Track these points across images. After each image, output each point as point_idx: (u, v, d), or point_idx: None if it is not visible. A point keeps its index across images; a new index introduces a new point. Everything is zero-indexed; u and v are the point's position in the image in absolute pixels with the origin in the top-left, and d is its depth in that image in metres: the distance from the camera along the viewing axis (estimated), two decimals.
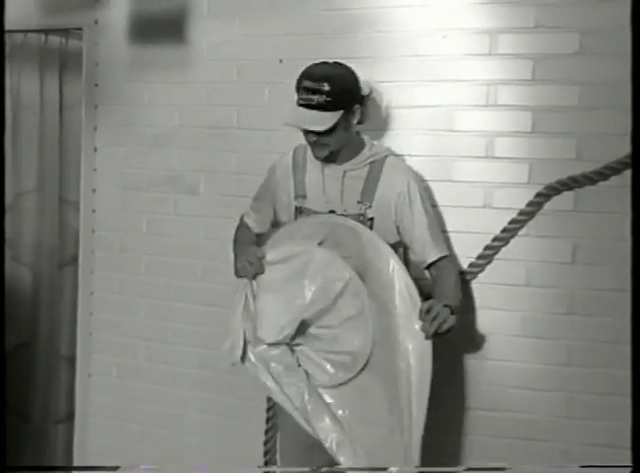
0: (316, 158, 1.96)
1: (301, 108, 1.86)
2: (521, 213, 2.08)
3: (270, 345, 1.90)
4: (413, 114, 2.18)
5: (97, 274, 2.70)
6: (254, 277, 1.94)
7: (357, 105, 1.92)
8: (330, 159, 1.96)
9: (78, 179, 2.72)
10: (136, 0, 2.54)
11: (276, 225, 2.12)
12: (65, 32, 2.77)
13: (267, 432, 2.38)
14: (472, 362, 2.17)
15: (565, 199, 2.06)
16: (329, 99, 1.83)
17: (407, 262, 2.01)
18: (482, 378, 2.16)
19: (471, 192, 2.13)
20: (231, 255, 2.08)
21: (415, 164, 2.11)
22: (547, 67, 2.05)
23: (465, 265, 2.14)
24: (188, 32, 2.46)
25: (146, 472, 2.33)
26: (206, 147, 2.48)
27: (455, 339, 2.14)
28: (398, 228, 1.95)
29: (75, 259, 2.79)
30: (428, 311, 1.69)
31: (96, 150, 2.67)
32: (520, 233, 2.10)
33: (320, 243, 1.88)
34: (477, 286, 2.14)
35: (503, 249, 2.11)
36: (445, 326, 1.68)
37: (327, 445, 1.79)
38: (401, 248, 1.99)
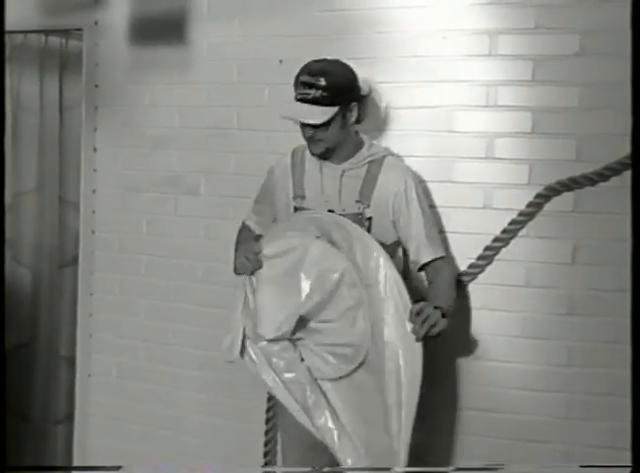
0: (312, 154, 1.96)
1: (298, 103, 1.88)
2: (521, 214, 2.08)
3: (270, 341, 1.89)
4: (412, 115, 2.18)
5: (97, 275, 2.70)
6: (253, 273, 1.94)
7: (355, 103, 1.93)
8: (326, 155, 1.96)
9: (78, 180, 2.72)
10: (136, 1, 2.54)
11: None
12: (65, 32, 2.77)
13: (267, 432, 2.38)
14: (472, 363, 2.17)
15: (565, 200, 2.06)
16: (325, 93, 1.84)
17: (407, 263, 2.01)
18: (483, 379, 2.16)
19: (471, 193, 2.13)
20: (232, 256, 2.07)
21: (414, 164, 2.11)
22: (547, 68, 2.05)
23: (465, 266, 2.14)
24: (188, 32, 2.46)
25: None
26: (206, 148, 2.48)
27: (455, 340, 2.15)
28: (396, 227, 1.95)
29: (75, 260, 2.80)
30: (419, 314, 1.68)
31: (95, 150, 2.67)
32: (520, 233, 2.09)
33: (318, 237, 1.88)
34: (477, 287, 2.14)
35: (503, 250, 2.11)
36: (435, 330, 1.67)
37: (327, 442, 1.79)
38: (401, 249, 1.99)
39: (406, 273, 2.03)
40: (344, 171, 1.96)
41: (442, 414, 2.20)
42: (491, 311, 2.14)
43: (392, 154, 2.03)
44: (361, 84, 1.96)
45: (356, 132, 2.01)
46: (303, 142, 2.00)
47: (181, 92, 2.50)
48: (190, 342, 2.54)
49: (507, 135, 2.10)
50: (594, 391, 2.06)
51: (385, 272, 1.78)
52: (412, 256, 1.95)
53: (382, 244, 1.88)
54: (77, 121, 2.75)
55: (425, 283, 2.00)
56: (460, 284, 2.11)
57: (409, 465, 1.72)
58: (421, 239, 1.93)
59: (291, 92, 1.92)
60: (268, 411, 2.36)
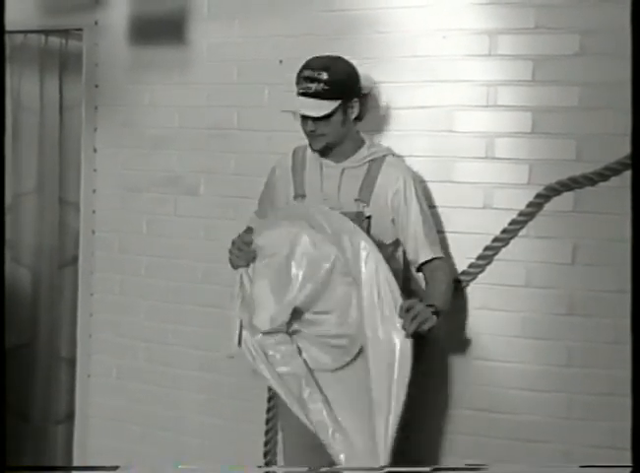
0: (313, 150, 1.96)
1: (300, 97, 1.88)
2: (521, 214, 2.08)
3: (266, 333, 1.89)
4: (412, 115, 2.18)
5: (97, 275, 2.70)
6: (248, 265, 1.94)
7: (356, 99, 1.93)
8: (326, 152, 1.96)
9: (78, 180, 2.72)
10: (136, 1, 2.54)
11: None
12: (65, 32, 2.77)
13: (267, 432, 2.38)
14: (472, 363, 2.16)
15: (565, 200, 2.05)
16: (327, 87, 1.85)
17: (407, 265, 2.01)
18: (483, 379, 2.16)
19: (471, 193, 2.13)
20: None
21: (414, 164, 2.11)
22: (547, 68, 2.04)
23: (465, 266, 2.14)
24: (188, 33, 2.46)
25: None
26: (206, 148, 2.48)
27: (455, 340, 2.15)
28: (395, 226, 1.95)
29: (75, 260, 2.80)
30: (408, 310, 1.67)
31: (96, 151, 2.67)
32: (520, 233, 2.09)
33: (310, 227, 1.87)
34: (476, 286, 2.14)
35: (503, 250, 2.11)
36: (425, 326, 1.67)
37: (321, 437, 1.78)
38: (401, 249, 1.99)
39: (406, 274, 2.04)
40: (344, 170, 1.96)
41: (442, 414, 2.19)
42: (491, 311, 2.14)
43: (393, 153, 2.03)
44: (363, 81, 1.97)
45: (357, 131, 2.01)
46: (304, 142, 2.00)
47: (181, 92, 2.50)
48: (190, 342, 2.54)
49: (507, 135, 2.10)
50: (594, 391, 2.06)
51: (375, 266, 1.75)
52: (410, 256, 1.95)
53: (382, 244, 1.88)
54: (77, 121, 2.75)
55: (424, 285, 2.00)
56: (458, 285, 2.11)
57: (407, 465, 1.72)
58: (420, 239, 1.92)
59: (292, 92, 1.92)
60: (268, 411, 2.36)
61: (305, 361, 1.88)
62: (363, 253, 1.76)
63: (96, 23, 2.60)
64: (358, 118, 1.97)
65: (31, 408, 3.00)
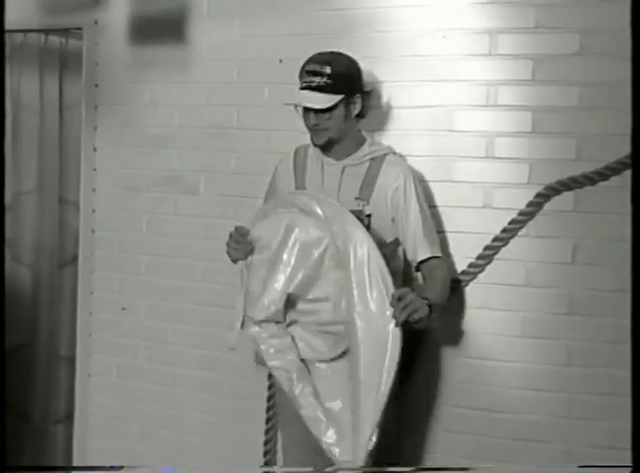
0: (314, 145, 1.96)
1: (303, 91, 1.89)
2: (521, 213, 2.08)
3: (261, 324, 1.88)
4: (413, 114, 2.18)
5: (97, 274, 2.70)
6: (246, 257, 1.94)
7: (358, 95, 1.94)
8: (328, 148, 1.96)
9: (78, 179, 2.72)
10: (136, 0, 2.54)
11: None
12: (65, 32, 2.78)
13: (267, 432, 2.38)
14: (471, 362, 2.16)
15: (565, 199, 2.05)
16: (330, 81, 1.86)
17: (407, 264, 2.01)
18: (483, 379, 2.16)
19: (471, 192, 2.13)
20: None
21: (414, 164, 2.11)
22: (547, 67, 2.04)
23: (465, 265, 2.14)
24: (188, 32, 2.46)
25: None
26: (206, 147, 2.48)
27: (455, 339, 2.15)
28: (395, 224, 1.95)
29: (75, 259, 2.80)
30: (400, 299, 1.66)
31: (95, 150, 2.67)
32: (520, 233, 2.09)
33: (302, 212, 1.86)
34: (476, 286, 2.14)
35: (503, 250, 2.11)
36: (416, 315, 1.66)
37: (313, 432, 1.78)
38: (401, 249, 1.99)
39: (406, 275, 2.04)
40: (344, 168, 1.97)
41: (442, 413, 2.19)
42: (491, 311, 2.14)
43: (394, 152, 2.03)
44: (365, 78, 1.97)
45: (359, 129, 2.02)
46: (304, 141, 2.00)
47: (181, 91, 2.50)
48: (190, 341, 2.54)
49: (507, 135, 2.10)
50: (594, 391, 2.06)
51: (368, 252, 1.74)
52: (409, 254, 1.95)
53: (382, 242, 1.88)
54: (77, 121, 2.75)
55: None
56: (458, 284, 2.11)
57: (406, 465, 1.72)
58: (419, 238, 1.92)
59: (291, 91, 1.92)
60: (268, 411, 2.36)
61: (299, 353, 1.87)
62: (354, 239, 1.76)
63: (95, 22, 2.60)
64: (360, 115, 1.98)
65: (30, 408, 3.00)
